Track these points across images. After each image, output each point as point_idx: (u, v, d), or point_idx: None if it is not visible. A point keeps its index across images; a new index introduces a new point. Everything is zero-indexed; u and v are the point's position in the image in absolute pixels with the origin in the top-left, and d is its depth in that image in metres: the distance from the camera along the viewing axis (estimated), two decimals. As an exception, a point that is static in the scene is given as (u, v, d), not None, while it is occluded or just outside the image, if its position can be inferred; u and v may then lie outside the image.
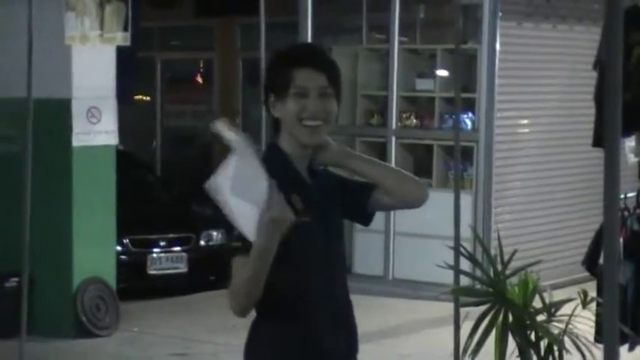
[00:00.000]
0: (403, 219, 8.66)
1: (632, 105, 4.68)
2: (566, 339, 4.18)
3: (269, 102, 2.67)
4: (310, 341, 2.60)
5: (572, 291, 4.60)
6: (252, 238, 2.44)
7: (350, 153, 2.76)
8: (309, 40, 9.00)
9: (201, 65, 14.22)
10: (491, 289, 4.30)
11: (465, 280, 5.93)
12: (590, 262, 5.44)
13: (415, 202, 2.78)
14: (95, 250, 7.26)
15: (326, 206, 2.67)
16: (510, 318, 4.21)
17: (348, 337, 2.70)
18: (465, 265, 5.02)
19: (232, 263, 2.52)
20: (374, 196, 2.74)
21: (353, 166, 2.75)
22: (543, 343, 4.21)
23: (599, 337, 4.73)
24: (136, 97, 13.44)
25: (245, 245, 2.47)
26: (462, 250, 4.67)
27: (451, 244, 4.79)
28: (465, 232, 6.32)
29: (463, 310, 4.44)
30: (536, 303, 4.34)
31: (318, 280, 2.62)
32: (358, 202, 2.76)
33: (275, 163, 2.62)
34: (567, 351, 4.18)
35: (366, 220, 2.81)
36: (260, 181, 2.44)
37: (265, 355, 2.62)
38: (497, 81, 8.33)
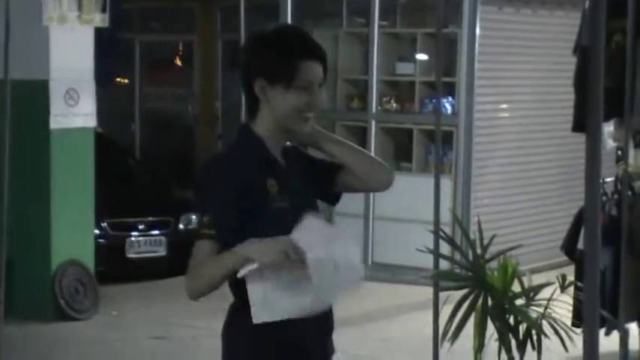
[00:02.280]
0: (383, 203, 8.67)
1: (612, 91, 4.69)
2: (545, 323, 4.20)
3: (256, 84, 2.60)
4: (290, 328, 2.59)
5: (551, 275, 4.63)
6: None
7: (321, 132, 2.75)
8: (289, 22, 8.96)
9: (181, 47, 14.14)
10: (470, 274, 4.31)
11: (444, 265, 5.95)
12: (569, 247, 5.48)
13: (381, 187, 2.80)
14: (74, 234, 7.23)
15: (301, 190, 2.67)
16: (490, 302, 4.22)
17: (325, 319, 2.71)
18: (444, 249, 5.03)
19: (195, 246, 2.53)
20: (341, 176, 2.75)
21: (324, 147, 2.75)
22: (522, 327, 4.24)
23: (577, 321, 4.77)
24: (116, 80, 13.36)
25: (217, 234, 2.49)
26: (441, 234, 4.68)
27: (431, 228, 4.80)
28: (445, 216, 6.34)
29: (443, 295, 4.46)
30: (515, 287, 4.36)
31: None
32: (325, 182, 2.76)
33: (249, 146, 2.61)
34: (545, 335, 4.20)
35: (333, 200, 2.82)
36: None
37: (246, 341, 2.61)
38: (477, 65, 8.34)
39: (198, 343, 6.61)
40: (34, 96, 7.07)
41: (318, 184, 2.74)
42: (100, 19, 7.15)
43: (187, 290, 2.56)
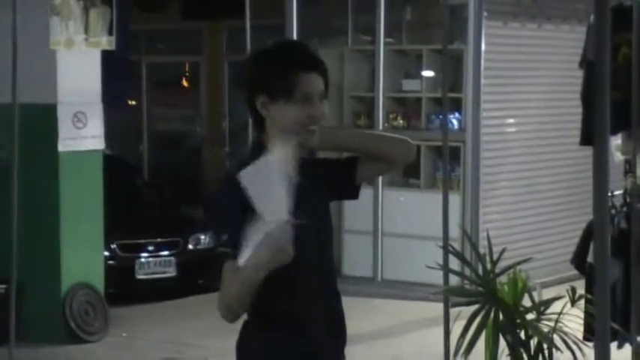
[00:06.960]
0: (391, 220, 8.67)
1: (619, 104, 4.69)
2: (556, 337, 4.19)
3: (258, 102, 2.60)
4: (305, 349, 2.59)
5: (561, 289, 4.62)
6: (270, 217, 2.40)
7: (333, 132, 2.73)
8: (295, 42, 8.99)
9: (188, 68, 14.20)
10: (481, 289, 4.31)
11: (454, 280, 5.93)
12: (579, 260, 5.46)
13: (407, 159, 2.81)
14: (83, 256, 7.24)
15: (316, 203, 2.67)
16: (500, 317, 4.21)
17: (339, 338, 2.70)
18: (454, 265, 5.02)
19: (223, 269, 2.51)
20: (359, 168, 2.75)
21: (341, 144, 2.74)
22: (533, 342, 4.22)
23: (588, 334, 4.74)
24: (125, 101, 13.40)
25: (233, 251, 2.46)
26: (451, 249, 4.68)
27: (440, 244, 4.79)
28: (454, 232, 6.33)
29: (454, 311, 4.44)
30: (525, 301, 4.35)
31: (312, 288, 2.62)
32: (346, 179, 2.76)
33: None
34: (557, 349, 4.19)
35: (355, 193, 2.81)
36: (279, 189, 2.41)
37: (261, 352, 2.60)
38: (483, 81, 8.34)
39: (209, 363, 6.60)
40: (43, 119, 7.10)
41: (339, 184, 2.75)
42: (107, 42, 7.19)
43: (221, 315, 2.53)
